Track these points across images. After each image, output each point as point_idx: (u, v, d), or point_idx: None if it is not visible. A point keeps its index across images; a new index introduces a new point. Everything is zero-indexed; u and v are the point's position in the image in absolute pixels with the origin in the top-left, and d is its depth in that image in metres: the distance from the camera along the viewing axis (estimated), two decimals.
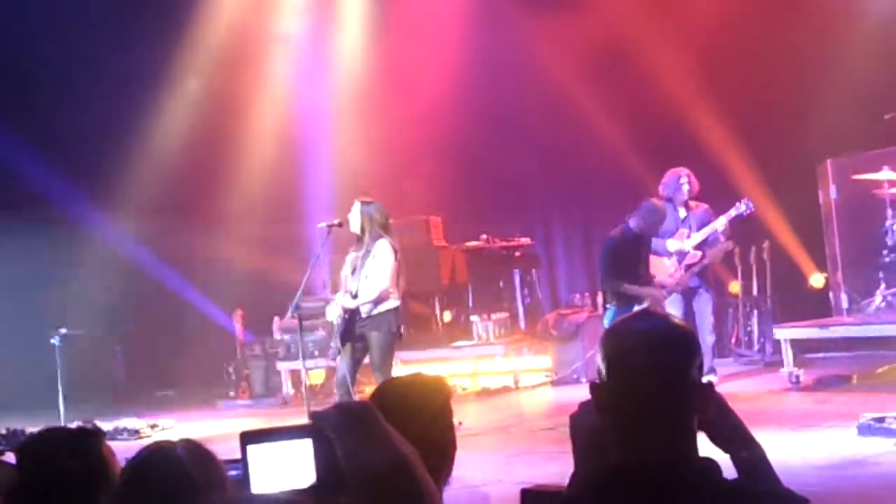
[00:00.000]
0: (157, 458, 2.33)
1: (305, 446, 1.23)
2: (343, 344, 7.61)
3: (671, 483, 1.78)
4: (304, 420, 1.34)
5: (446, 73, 12.66)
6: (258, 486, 1.13)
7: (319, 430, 1.30)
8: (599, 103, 12.14)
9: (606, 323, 8.20)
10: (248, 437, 1.21)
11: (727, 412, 2.01)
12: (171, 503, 2.29)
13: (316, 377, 11.03)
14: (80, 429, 2.94)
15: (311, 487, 1.29)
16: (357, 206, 7.90)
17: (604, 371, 1.87)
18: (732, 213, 9.10)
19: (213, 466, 2.31)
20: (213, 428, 9.47)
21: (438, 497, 1.34)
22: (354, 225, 7.88)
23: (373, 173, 12.38)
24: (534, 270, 12.69)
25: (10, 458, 4.45)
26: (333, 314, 7.80)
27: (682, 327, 1.93)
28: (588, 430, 2.15)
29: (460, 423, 7.08)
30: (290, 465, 1.21)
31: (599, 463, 1.96)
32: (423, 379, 2.79)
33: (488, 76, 12.65)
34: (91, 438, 2.95)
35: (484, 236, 12.28)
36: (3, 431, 8.69)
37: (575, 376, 10.60)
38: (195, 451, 2.33)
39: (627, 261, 8.52)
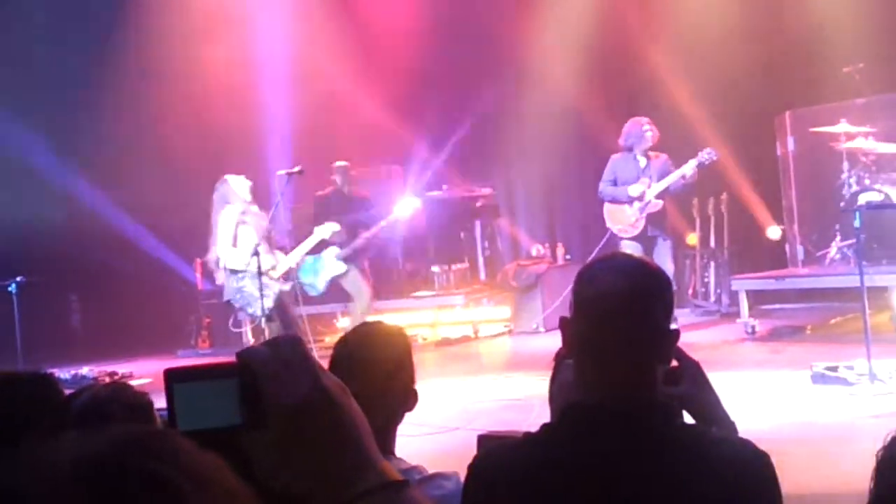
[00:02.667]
0: (85, 395, 2.36)
1: (232, 385, 1.21)
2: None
3: (629, 423, 1.78)
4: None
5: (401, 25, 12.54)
6: (184, 425, 1.12)
7: (246, 366, 1.28)
8: (560, 57, 12.12)
9: None
10: (173, 376, 1.19)
11: (705, 387, 2.01)
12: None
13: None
14: (34, 373, 2.89)
15: (236, 426, 1.28)
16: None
17: (574, 308, 1.86)
18: (699, 159, 9.08)
19: (140, 407, 2.31)
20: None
21: (365, 425, 1.33)
22: None
23: (333, 124, 12.27)
24: (495, 221, 12.72)
25: None
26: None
27: (655, 269, 1.90)
28: (565, 386, 2.15)
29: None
30: (216, 404, 1.19)
31: None
32: (384, 328, 2.81)
33: (441, 25, 12.52)
34: (47, 381, 2.92)
35: (445, 187, 12.26)
36: None
37: (534, 326, 10.67)
38: (120, 390, 2.34)
39: None
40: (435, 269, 11.60)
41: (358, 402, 2.14)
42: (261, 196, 9.60)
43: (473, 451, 3.05)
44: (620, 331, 1.80)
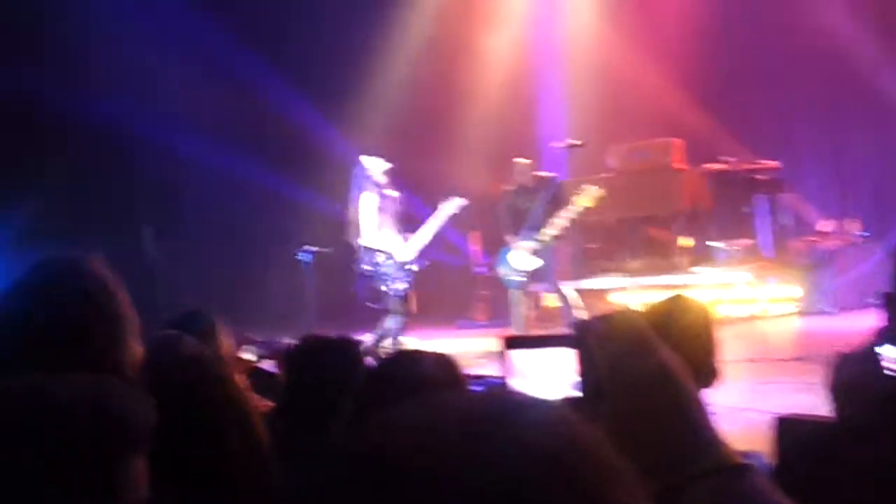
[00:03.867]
0: (401, 359, 2.41)
1: (566, 355, 1.17)
2: None
3: None
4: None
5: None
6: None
7: (582, 338, 1.23)
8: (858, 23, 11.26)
9: None
10: (511, 342, 1.15)
11: None
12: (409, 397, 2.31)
13: (552, 300, 10.99)
14: (341, 338, 3.00)
15: (572, 398, 1.26)
16: None
17: None
18: None
19: (454, 372, 2.32)
20: (450, 346, 9.65)
21: (702, 407, 1.24)
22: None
23: (612, 97, 12.05)
24: (780, 195, 12.04)
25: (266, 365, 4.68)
26: None
27: None
28: (848, 385, 2.01)
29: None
30: (549, 372, 1.14)
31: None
32: (688, 302, 2.73)
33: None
34: (351, 344, 3.03)
35: (727, 159, 11.75)
36: (259, 339, 9.17)
37: (826, 307, 10.03)
38: (439, 358, 2.36)
39: None
40: (716, 244, 11.12)
41: None
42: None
43: (765, 433, 2.85)
44: None
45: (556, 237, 8.91)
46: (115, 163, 12.80)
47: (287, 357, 3.21)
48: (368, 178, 8.53)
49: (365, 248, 8.60)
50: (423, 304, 12.64)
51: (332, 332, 3.78)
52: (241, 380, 3.98)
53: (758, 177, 11.73)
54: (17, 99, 12.05)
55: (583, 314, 8.81)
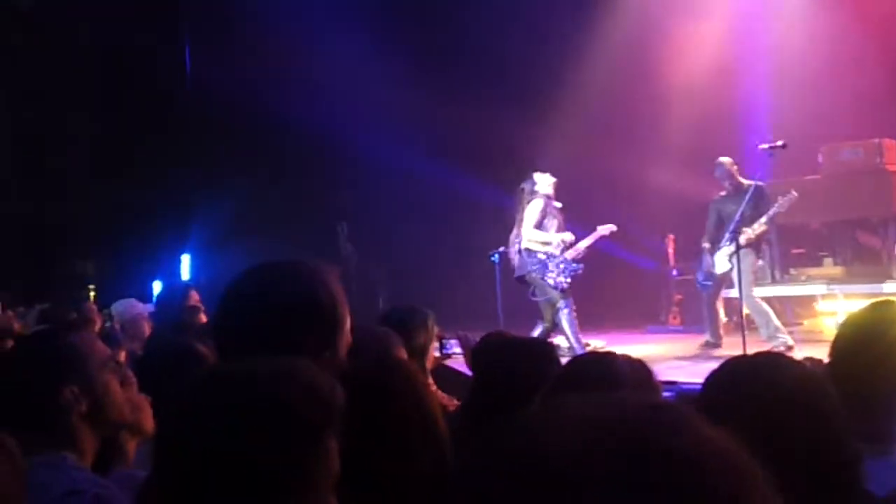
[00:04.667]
0: (594, 359, 2.43)
1: None
2: None
3: None
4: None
5: None
6: None
7: None
8: None
9: None
10: None
11: None
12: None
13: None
14: (532, 338, 2.98)
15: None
16: None
17: None
18: None
19: (647, 375, 2.30)
20: (641, 351, 9.46)
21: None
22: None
23: (820, 97, 11.48)
24: None
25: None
26: None
27: None
28: None
29: None
30: None
31: None
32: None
33: None
34: (546, 346, 3.00)
35: None
36: (449, 336, 9.30)
37: None
38: (632, 362, 2.34)
39: None
40: None
41: (869, 385, 1.96)
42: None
43: None
44: None
45: (752, 241, 8.64)
46: (314, 162, 13.30)
47: (475, 355, 3.21)
48: (536, 192, 9.18)
49: (527, 250, 9.10)
50: (615, 306, 12.50)
51: (517, 332, 3.82)
52: (426, 378, 4.05)
53: None
54: (228, 98, 12.70)
55: (772, 323, 8.46)
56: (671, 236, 11.57)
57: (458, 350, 4.52)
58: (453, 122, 12.75)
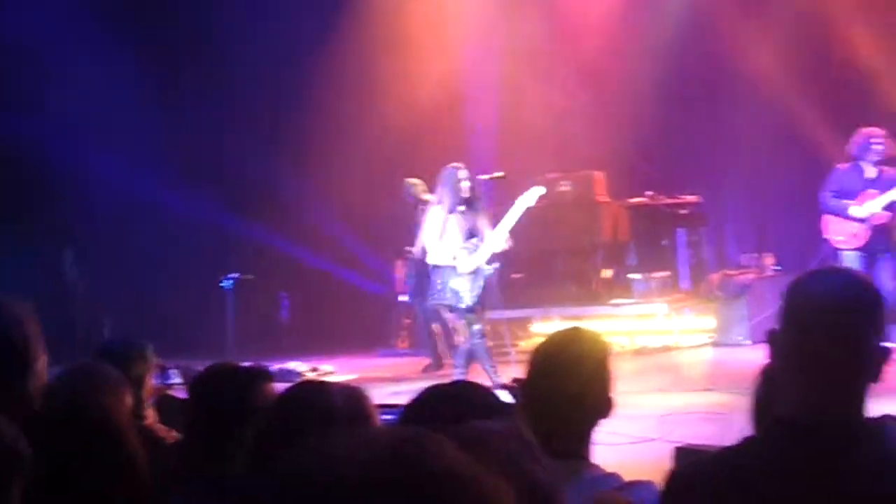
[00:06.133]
0: (305, 391, 2.36)
1: None
2: None
3: (832, 442, 1.75)
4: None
5: (612, 25, 12.38)
6: None
7: None
8: (779, 61, 11.63)
9: None
10: None
11: None
12: (314, 432, 2.32)
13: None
14: (248, 367, 3.01)
15: None
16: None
17: (782, 321, 1.83)
18: None
19: (362, 405, 2.28)
20: (370, 374, 9.68)
21: None
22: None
23: (537, 126, 12.21)
24: (700, 229, 12.32)
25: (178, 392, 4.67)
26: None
27: (867, 285, 1.87)
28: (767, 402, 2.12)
29: None
30: None
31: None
32: (583, 333, 2.79)
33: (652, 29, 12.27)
34: (252, 372, 3.03)
35: (649, 193, 11.99)
36: (173, 367, 9.08)
37: (740, 338, 10.27)
38: (345, 391, 2.33)
39: None
40: (635, 276, 11.34)
41: (554, 405, 2.16)
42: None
43: (669, 463, 2.95)
44: (826, 346, 1.76)
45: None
46: (36, 185, 12.54)
47: (191, 386, 3.20)
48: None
49: (434, 267, 8.14)
50: (346, 331, 12.66)
51: (247, 360, 3.82)
52: (150, 411, 3.98)
53: (679, 211, 12.00)
54: None
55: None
56: (399, 261, 11.86)
57: (178, 380, 4.49)
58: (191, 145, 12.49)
